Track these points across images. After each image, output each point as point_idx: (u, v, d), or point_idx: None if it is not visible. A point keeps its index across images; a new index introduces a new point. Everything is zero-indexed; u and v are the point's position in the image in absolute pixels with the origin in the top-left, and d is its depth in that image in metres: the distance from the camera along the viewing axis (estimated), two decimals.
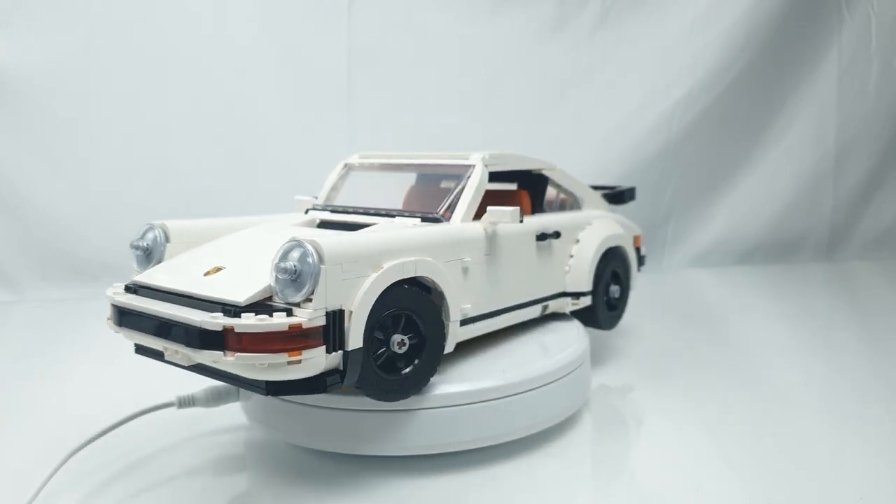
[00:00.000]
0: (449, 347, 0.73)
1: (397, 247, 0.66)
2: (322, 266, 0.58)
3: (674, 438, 0.82)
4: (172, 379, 0.90)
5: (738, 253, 1.85)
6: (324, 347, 0.59)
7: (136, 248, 0.77)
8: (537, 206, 0.95)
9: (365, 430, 0.72)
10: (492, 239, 0.80)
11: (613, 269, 1.01)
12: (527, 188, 0.95)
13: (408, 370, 0.67)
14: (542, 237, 0.88)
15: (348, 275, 0.61)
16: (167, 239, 0.76)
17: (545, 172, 0.96)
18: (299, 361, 0.57)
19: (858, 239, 1.89)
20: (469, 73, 1.71)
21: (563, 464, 0.76)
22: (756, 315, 1.39)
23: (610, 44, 1.74)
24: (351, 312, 0.60)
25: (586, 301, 0.95)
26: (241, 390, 0.80)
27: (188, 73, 1.58)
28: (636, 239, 1.09)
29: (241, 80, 1.61)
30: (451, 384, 0.73)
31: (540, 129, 1.74)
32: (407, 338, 0.67)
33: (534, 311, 0.90)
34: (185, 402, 0.78)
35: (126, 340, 0.69)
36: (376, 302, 0.62)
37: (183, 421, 0.83)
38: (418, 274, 0.67)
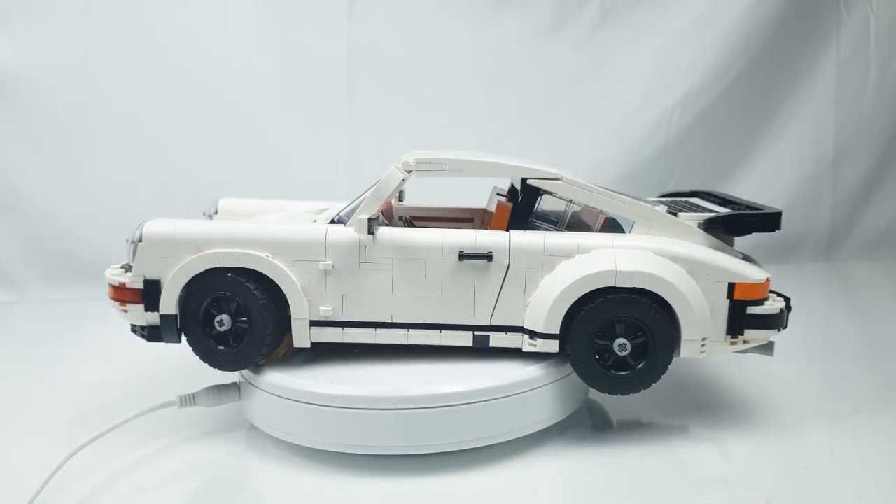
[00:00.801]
0: (301, 343, 0.78)
1: (231, 238, 0.76)
2: (139, 243, 0.76)
3: (673, 438, 0.82)
4: (173, 379, 0.90)
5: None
6: (142, 306, 0.76)
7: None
8: (521, 220, 0.81)
9: (365, 430, 0.72)
10: (368, 248, 0.76)
11: (621, 317, 0.76)
12: (513, 200, 0.83)
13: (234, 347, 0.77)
14: (464, 256, 0.77)
15: (165, 253, 0.75)
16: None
17: (536, 183, 0.80)
18: (126, 311, 0.78)
19: (857, 239, 1.89)
20: (469, 73, 1.71)
21: (563, 464, 0.76)
22: None
23: (610, 44, 1.74)
24: (164, 283, 0.75)
25: (548, 346, 0.77)
26: (242, 390, 0.80)
27: (188, 73, 1.58)
28: (739, 287, 0.78)
29: (240, 80, 1.61)
30: (451, 384, 0.73)
31: (540, 128, 1.74)
32: (234, 319, 0.76)
33: (461, 338, 0.79)
34: (186, 402, 0.78)
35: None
36: (197, 281, 0.75)
37: (183, 421, 0.83)
38: (241, 265, 0.75)
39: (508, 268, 0.77)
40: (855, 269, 1.78)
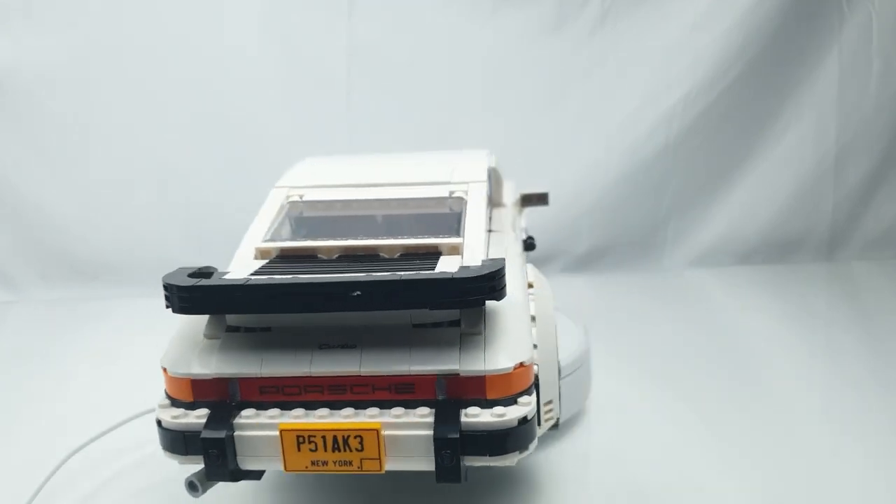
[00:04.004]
0: None
1: None
2: None
3: (674, 439, 0.82)
4: None
5: (738, 253, 1.84)
6: None
7: None
8: None
9: None
10: None
11: None
12: None
13: None
14: None
15: None
16: None
17: None
18: None
19: (859, 239, 1.89)
20: (469, 73, 1.70)
21: (564, 464, 0.76)
22: (756, 315, 1.38)
23: (610, 44, 1.73)
24: None
25: None
26: None
27: (188, 73, 1.58)
28: None
29: (240, 80, 1.61)
30: None
31: (540, 128, 1.74)
32: None
33: None
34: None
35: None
36: None
37: None
38: None
39: None
40: (857, 269, 1.78)
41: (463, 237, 0.62)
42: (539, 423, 0.56)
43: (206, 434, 0.52)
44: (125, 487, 0.71)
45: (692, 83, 1.74)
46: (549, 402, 0.58)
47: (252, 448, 0.52)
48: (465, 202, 0.67)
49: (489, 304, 0.53)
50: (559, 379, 0.60)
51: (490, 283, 0.49)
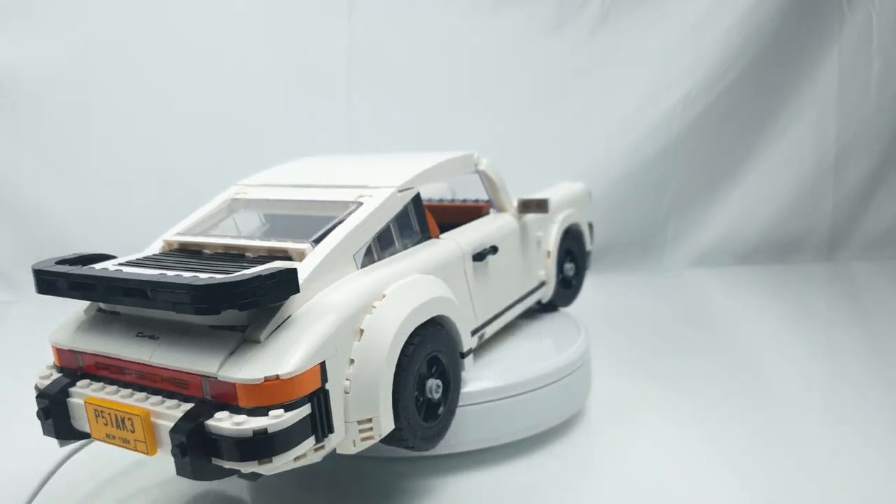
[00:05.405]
0: None
1: None
2: None
3: (674, 439, 0.82)
4: None
5: (738, 253, 1.84)
6: None
7: None
8: None
9: None
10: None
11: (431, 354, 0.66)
12: None
13: None
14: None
15: None
16: None
17: None
18: None
19: (859, 239, 1.89)
20: (469, 73, 1.70)
21: (564, 465, 0.76)
22: (756, 315, 1.39)
23: (610, 44, 1.74)
24: None
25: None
26: None
27: (188, 73, 1.58)
28: None
29: (240, 80, 1.61)
30: None
31: (540, 128, 1.74)
32: None
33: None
34: None
35: None
36: None
37: None
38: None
39: None
40: (857, 269, 1.78)
41: (314, 244, 0.62)
42: (355, 444, 0.58)
43: (39, 392, 0.60)
44: (125, 487, 0.72)
45: (692, 83, 1.74)
46: (368, 419, 0.57)
47: (76, 413, 0.59)
48: (360, 207, 0.67)
49: (296, 312, 0.55)
50: (390, 396, 0.59)
51: (232, 290, 0.50)
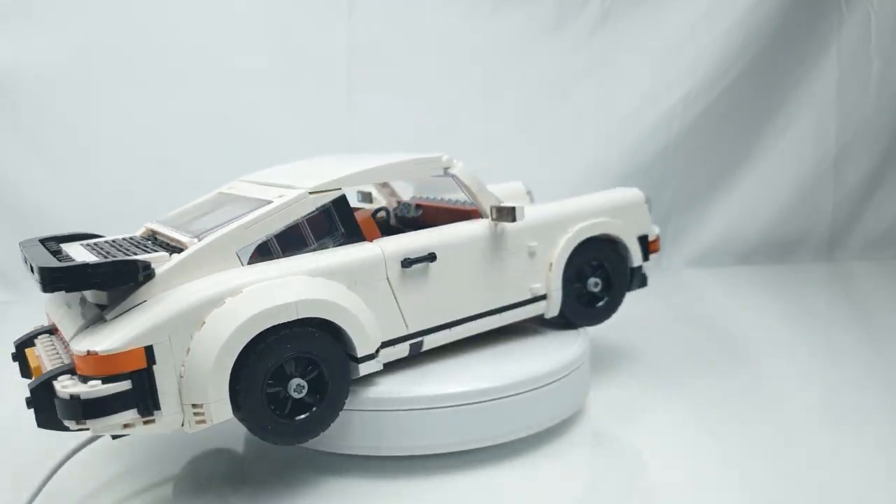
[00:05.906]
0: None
1: None
2: None
3: (674, 439, 0.82)
4: None
5: (738, 253, 1.84)
6: None
7: None
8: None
9: (365, 431, 0.72)
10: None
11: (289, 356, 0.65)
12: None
13: None
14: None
15: None
16: None
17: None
18: None
19: (859, 239, 1.89)
20: (469, 73, 1.71)
21: (563, 464, 0.76)
22: (756, 315, 1.38)
23: (610, 44, 1.74)
24: None
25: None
26: None
27: (188, 73, 1.58)
28: None
29: (240, 80, 1.61)
30: (451, 384, 0.73)
31: (540, 128, 1.74)
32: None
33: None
34: None
35: None
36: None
37: None
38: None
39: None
40: (857, 269, 1.78)
41: (199, 238, 0.66)
42: (184, 424, 0.62)
43: (17, 340, 0.71)
44: (125, 487, 0.72)
45: (692, 83, 1.74)
46: (199, 405, 0.60)
47: (31, 359, 0.68)
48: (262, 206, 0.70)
49: (151, 299, 0.61)
50: (225, 387, 0.61)
51: (61, 275, 0.58)
